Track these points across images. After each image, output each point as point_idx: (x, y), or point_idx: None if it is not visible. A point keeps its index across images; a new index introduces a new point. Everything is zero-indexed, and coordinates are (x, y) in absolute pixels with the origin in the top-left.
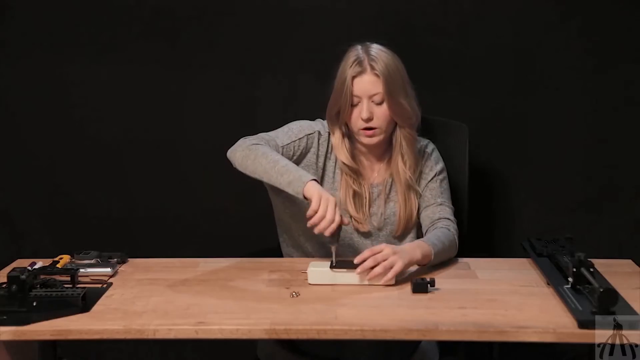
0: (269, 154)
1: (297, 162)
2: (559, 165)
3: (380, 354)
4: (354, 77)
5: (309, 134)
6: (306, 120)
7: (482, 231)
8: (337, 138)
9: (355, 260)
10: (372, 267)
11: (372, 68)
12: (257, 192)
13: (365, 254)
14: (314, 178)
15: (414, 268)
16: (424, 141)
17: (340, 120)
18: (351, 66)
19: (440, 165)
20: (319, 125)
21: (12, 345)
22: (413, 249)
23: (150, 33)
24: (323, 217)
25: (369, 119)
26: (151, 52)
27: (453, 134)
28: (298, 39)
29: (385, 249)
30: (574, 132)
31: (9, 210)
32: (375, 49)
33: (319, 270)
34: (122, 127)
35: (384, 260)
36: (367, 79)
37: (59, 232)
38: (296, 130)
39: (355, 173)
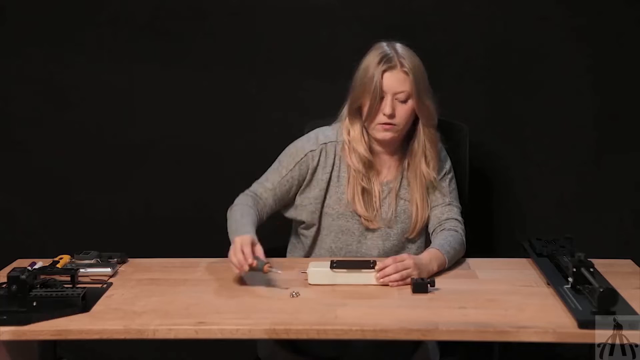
0: (232, 218)
1: (301, 186)
2: (558, 165)
3: (381, 354)
4: (384, 72)
5: (300, 160)
6: (301, 138)
7: (482, 231)
8: (356, 131)
9: (377, 267)
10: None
11: (402, 65)
12: None
13: (388, 261)
14: (245, 235)
15: None
16: None
17: (364, 115)
18: (380, 61)
19: (449, 163)
20: (312, 139)
21: (12, 345)
22: (430, 261)
23: (151, 33)
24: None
25: (392, 115)
26: (151, 51)
27: (453, 134)
28: (299, 39)
29: (407, 259)
30: (574, 132)
31: (9, 210)
32: (401, 47)
33: (319, 270)
34: (122, 126)
35: (405, 269)
36: (397, 75)
37: (59, 232)
38: (285, 162)
39: (369, 168)
